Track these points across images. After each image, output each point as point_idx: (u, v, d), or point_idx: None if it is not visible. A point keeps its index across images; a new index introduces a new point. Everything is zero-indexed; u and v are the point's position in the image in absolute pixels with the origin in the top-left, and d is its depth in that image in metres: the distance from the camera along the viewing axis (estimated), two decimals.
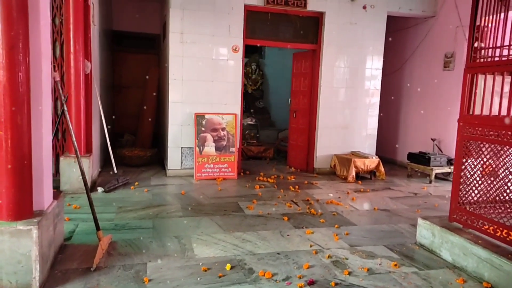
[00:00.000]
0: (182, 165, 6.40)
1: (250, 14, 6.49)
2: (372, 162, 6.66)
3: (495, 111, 3.12)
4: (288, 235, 3.86)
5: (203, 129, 6.31)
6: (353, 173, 6.47)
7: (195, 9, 6.12)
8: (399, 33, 8.20)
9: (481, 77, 3.33)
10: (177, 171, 6.37)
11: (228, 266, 3.04)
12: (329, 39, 6.78)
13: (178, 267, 3.05)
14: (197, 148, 6.25)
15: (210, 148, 6.32)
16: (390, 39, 8.12)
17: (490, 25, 3.26)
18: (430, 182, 6.57)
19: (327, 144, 7.04)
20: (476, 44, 3.36)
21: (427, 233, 3.61)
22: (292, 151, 7.66)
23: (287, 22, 6.71)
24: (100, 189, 5.20)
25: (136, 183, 5.69)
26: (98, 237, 3.21)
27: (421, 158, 6.75)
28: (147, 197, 5.01)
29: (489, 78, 3.27)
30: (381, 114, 7.39)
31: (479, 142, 3.24)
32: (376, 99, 7.22)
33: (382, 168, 6.73)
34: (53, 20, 5.38)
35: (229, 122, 6.44)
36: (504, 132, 2.99)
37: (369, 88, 7.13)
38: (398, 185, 6.36)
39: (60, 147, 5.41)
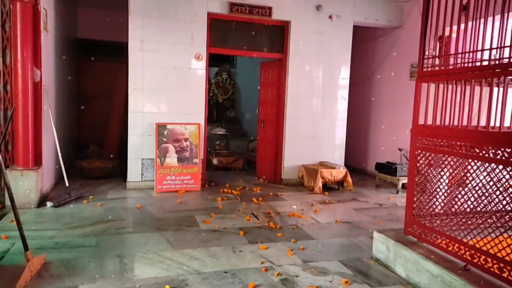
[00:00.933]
0: (143, 177, 6.16)
1: (214, 22, 6.36)
2: (340, 172, 6.56)
3: (447, 121, 3.03)
4: (240, 251, 3.67)
5: (164, 139, 6.09)
6: (319, 184, 6.35)
7: (156, 16, 5.96)
8: (367, 43, 8.22)
9: (433, 86, 3.25)
10: (138, 183, 6.12)
11: None
12: (295, 48, 6.71)
13: None
14: (158, 160, 6.02)
15: (172, 159, 6.11)
16: (358, 49, 8.14)
17: (445, 34, 3.19)
18: (397, 192, 6.51)
19: (294, 155, 6.92)
20: (427, 53, 3.28)
21: (382, 247, 3.48)
22: (261, 162, 7.51)
23: (252, 31, 6.61)
24: (49, 204, 4.92)
25: (91, 197, 5.42)
26: (26, 258, 2.95)
27: (388, 168, 6.69)
28: (98, 212, 4.75)
29: (441, 87, 3.19)
30: (351, 124, 7.32)
31: (430, 152, 3.14)
32: (344, 109, 7.16)
33: (349, 179, 6.63)
34: (2, 26, 5.14)
35: (192, 133, 6.24)
36: (453, 142, 2.90)
37: (337, 98, 7.07)
38: (365, 196, 6.26)
39: (10, 159, 5.11)
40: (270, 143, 7.20)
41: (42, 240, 3.75)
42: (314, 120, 6.96)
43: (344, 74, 7.07)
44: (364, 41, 8.18)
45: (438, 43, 3.25)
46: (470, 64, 2.89)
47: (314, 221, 4.79)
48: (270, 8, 6.44)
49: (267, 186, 6.70)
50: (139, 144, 6.09)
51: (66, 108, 7.38)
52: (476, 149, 2.70)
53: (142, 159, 6.14)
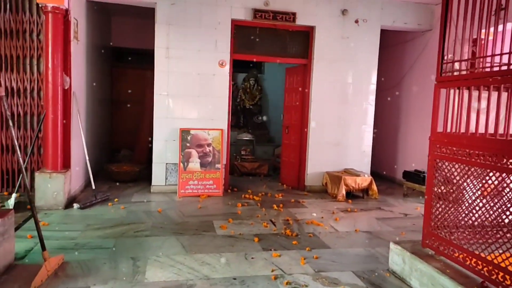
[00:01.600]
0: (166, 181, 6.28)
1: (238, 28, 6.42)
2: (364, 180, 6.40)
3: (468, 129, 2.88)
4: (252, 258, 3.65)
5: (188, 144, 6.20)
6: (343, 191, 6.22)
7: (181, 24, 6.09)
8: (396, 48, 8.00)
9: (453, 92, 3.11)
10: (162, 187, 6.25)
11: None
12: (320, 53, 6.64)
13: None
14: (181, 164, 6.13)
15: (195, 164, 6.20)
16: (386, 53, 7.94)
17: (464, 36, 3.05)
18: None
19: (318, 161, 6.82)
20: (447, 57, 3.15)
21: (398, 259, 3.35)
22: (285, 168, 7.46)
23: (276, 37, 6.61)
24: (75, 206, 5.12)
25: (116, 199, 5.59)
26: (43, 257, 3.08)
27: (416, 177, 6.45)
28: (120, 215, 4.89)
29: (464, 93, 3.04)
30: (376, 131, 7.14)
31: (449, 161, 2.99)
32: (370, 115, 6.99)
33: (374, 187, 6.45)
34: (37, 36, 5.45)
35: (215, 138, 6.31)
36: (471, 151, 2.75)
37: (363, 104, 6.91)
38: (390, 205, 6.07)
39: (41, 162, 5.39)
40: (294, 149, 7.14)
41: (63, 241, 3.90)
42: (339, 126, 6.84)
43: (371, 79, 6.91)
44: (393, 45, 7.98)
45: (470, 47, 3.09)
46: (489, 69, 2.73)
47: (333, 229, 4.69)
48: (294, 14, 6.41)
49: (289, 193, 6.64)
50: (164, 149, 6.23)
51: (99, 113, 7.69)
52: (494, 158, 2.54)
53: (166, 163, 6.27)
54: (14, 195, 4.93)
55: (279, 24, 6.45)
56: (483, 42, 3.02)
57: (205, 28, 6.17)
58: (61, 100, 5.11)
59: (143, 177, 7.08)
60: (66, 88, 5.20)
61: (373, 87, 6.94)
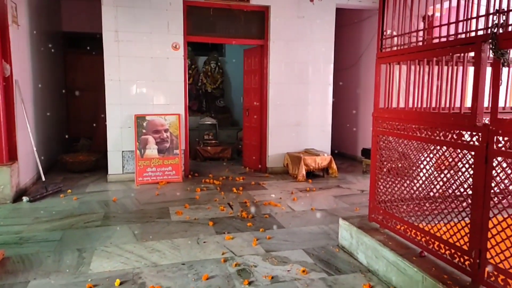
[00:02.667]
0: (124, 170, 6.14)
1: (191, 9, 6.24)
2: (324, 159, 6.47)
3: (408, 104, 2.92)
4: (204, 242, 3.63)
5: (144, 131, 6.05)
6: (303, 171, 6.27)
7: (129, 6, 5.86)
8: (353, 26, 8.04)
9: (396, 68, 3.13)
10: (119, 176, 6.10)
11: (117, 282, 2.81)
12: (276, 33, 6.57)
13: (62, 284, 2.81)
14: (138, 151, 5.99)
15: (152, 151, 6.07)
16: (343, 33, 7.97)
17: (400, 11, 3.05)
18: None
19: (279, 143, 6.83)
20: (388, 32, 3.16)
21: (346, 234, 3.42)
22: (247, 151, 7.44)
23: (231, 17, 6.48)
24: (25, 199, 4.92)
25: (69, 191, 5.41)
26: None
27: None
28: (72, 206, 4.74)
29: (403, 68, 3.07)
30: (340, 110, 7.20)
31: (388, 136, 3.04)
32: (329, 95, 7.02)
33: (334, 165, 6.55)
34: None
35: (172, 123, 6.19)
36: (409, 125, 2.79)
37: (321, 84, 6.93)
38: (349, 182, 6.18)
39: None
40: (254, 131, 7.12)
41: (7, 236, 3.74)
42: (298, 107, 6.85)
43: (328, 59, 6.92)
44: (350, 24, 8.01)
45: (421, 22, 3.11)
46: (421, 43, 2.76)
47: (290, 209, 4.73)
48: None
49: (251, 175, 6.64)
50: (119, 136, 6.06)
51: (51, 102, 7.36)
52: (429, 132, 2.59)
53: (123, 151, 6.11)
54: None
55: (233, 4, 6.32)
56: (430, 17, 3.05)
57: (155, 9, 5.96)
58: (2, 89, 4.83)
59: (101, 166, 6.87)
60: (6, 76, 4.92)
61: (331, 66, 6.95)
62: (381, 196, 3.20)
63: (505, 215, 2.09)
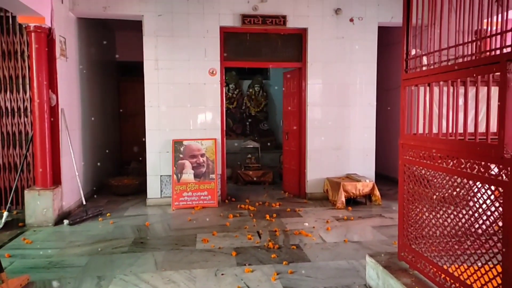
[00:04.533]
0: (162, 194, 6.24)
1: (227, 35, 6.32)
2: (366, 185, 6.09)
3: (431, 129, 2.62)
4: (222, 274, 3.49)
5: (181, 156, 6.13)
6: (342, 198, 5.95)
7: (169, 35, 6.07)
8: (398, 45, 7.64)
9: (422, 90, 2.85)
10: (157, 200, 6.21)
11: None
12: (313, 55, 6.43)
13: None
14: (174, 176, 6.07)
15: (188, 175, 6.12)
16: (387, 52, 7.63)
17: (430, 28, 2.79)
18: None
19: (319, 167, 6.58)
20: (413, 52, 2.90)
21: (373, 273, 3.10)
22: (286, 175, 7.26)
23: (268, 41, 6.46)
24: (66, 222, 5.14)
25: (108, 214, 5.59)
26: (0, 279, 3.06)
27: None
28: (106, 230, 4.86)
29: (428, 90, 2.78)
30: (385, 132, 6.81)
31: (415, 166, 2.73)
32: (372, 116, 6.66)
33: (377, 192, 6.13)
34: (21, 55, 5.57)
35: (208, 148, 6.21)
36: (435, 154, 2.48)
37: (363, 105, 6.61)
38: (393, 211, 5.73)
39: (26, 180, 5.49)
40: (294, 155, 6.93)
41: (38, 259, 3.89)
42: (339, 130, 6.57)
43: (370, 80, 6.60)
44: (395, 43, 7.63)
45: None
46: (446, 62, 2.47)
47: (321, 240, 4.45)
48: (284, 17, 6.25)
49: (289, 201, 6.43)
50: (157, 161, 6.20)
51: (102, 127, 7.79)
52: (454, 162, 2.28)
53: (161, 175, 6.23)
54: (5, 214, 5.02)
55: (270, 28, 6.30)
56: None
57: (193, 37, 6.12)
58: (48, 118, 5.17)
59: (144, 189, 7.05)
60: (53, 105, 5.26)
61: (373, 87, 6.63)
62: (411, 232, 2.87)
63: None
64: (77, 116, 6.25)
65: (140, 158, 8.99)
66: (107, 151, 8.14)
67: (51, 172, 5.24)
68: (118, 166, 9.21)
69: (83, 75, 6.55)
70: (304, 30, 6.43)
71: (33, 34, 5.01)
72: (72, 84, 6.02)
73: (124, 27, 8.47)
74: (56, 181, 5.34)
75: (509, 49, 1.90)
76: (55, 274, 3.52)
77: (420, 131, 2.77)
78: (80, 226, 5.07)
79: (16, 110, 5.69)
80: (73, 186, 5.78)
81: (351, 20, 6.46)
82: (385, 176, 7.99)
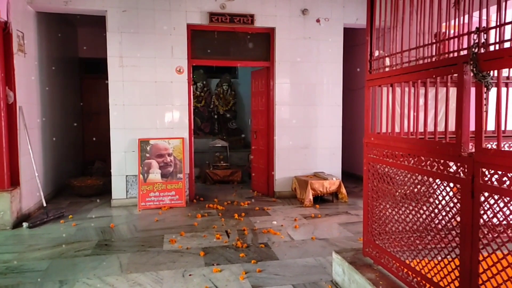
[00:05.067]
0: (128, 194, 6.09)
1: (195, 33, 6.26)
2: (333, 183, 6.21)
3: (393, 129, 2.70)
4: (190, 274, 3.46)
5: (147, 155, 6.01)
6: (310, 196, 6.03)
7: (134, 32, 5.93)
8: (363, 46, 7.84)
9: (385, 90, 2.93)
10: (123, 200, 6.06)
11: None
12: (281, 55, 6.47)
13: None
14: (141, 176, 5.95)
15: (155, 175, 6.01)
16: (352, 53, 7.80)
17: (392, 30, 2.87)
18: None
19: (287, 166, 6.64)
20: (377, 53, 2.98)
21: (339, 269, 3.16)
22: (255, 174, 7.27)
23: (235, 40, 6.45)
24: (25, 225, 4.92)
25: (70, 216, 5.40)
26: None
27: None
28: (68, 233, 4.69)
29: (396, 90, 2.86)
30: (352, 132, 6.96)
31: (377, 164, 2.81)
32: (338, 116, 6.80)
33: (343, 190, 6.27)
34: None
35: (176, 147, 6.13)
36: (397, 153, 2.57)
37: (329, 105, 6.73)
38: (358, 208, 5.87)
39: None
40: (262, 154, 6.96)
41: None
42: (306, 129, 6.65)
43: (337, 80, 6.73)
44: (360, 44, 7.82)
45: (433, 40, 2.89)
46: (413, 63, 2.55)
47: (289, 238, 4.49)
48: (252, 16, 6.26)
49: (258, 200, 6.46)
50: (123, 160, 6.05)
51: (63, 126, 7.51)
52: (415, 160, 2.36)
53: (127, 175, 6.08)
54: None
55: (238, 27, 6.29)
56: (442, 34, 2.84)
57: (159, 34, 6.01)
58: (5, 116, 4.92)
59: (109, 190, 6.85)
60: (10, 102, 5.02)
61: (339, 87, 6.76)
62: (375, 228, 2.95)
63: (498, 257, 1.82)
64: (37, 115, 5.99)
65: (105, 158, 8.78)
66: (68, 150, 7.86)
67: (9, 173, 5.00)
68: (81, 166, 8.93)
69: (43, 72, 6.29)
70: (272, 30, 6.47)
71: None
72: (31, 81, 5.76)
73: (87, 23, 8.20)
74: (14, 182, 5.10)
75: (465, 52, 1.98)
76: (12, 280, 3.37)
77: (384, 130, 2.85)
78: (41, 229, 4.86)
79: None
80: (32, 187, 5.53)
81: (318, 20, 6.56)
82: (351, 174, 8.18)
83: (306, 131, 6.67)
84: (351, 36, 7.47)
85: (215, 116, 9.93)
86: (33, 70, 5.88)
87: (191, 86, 6.35)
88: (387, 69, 2.79)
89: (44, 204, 5.34)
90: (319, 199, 6.27)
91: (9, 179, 5.01)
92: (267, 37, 6.54)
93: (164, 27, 6.00)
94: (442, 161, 2.10)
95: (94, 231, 4.78)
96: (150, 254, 3.97)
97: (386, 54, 2.79)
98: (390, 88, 2.74)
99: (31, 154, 5.30)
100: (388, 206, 2.73)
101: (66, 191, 6.96)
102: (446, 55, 2.19)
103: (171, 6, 6.00)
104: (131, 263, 3.72)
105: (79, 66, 9.12)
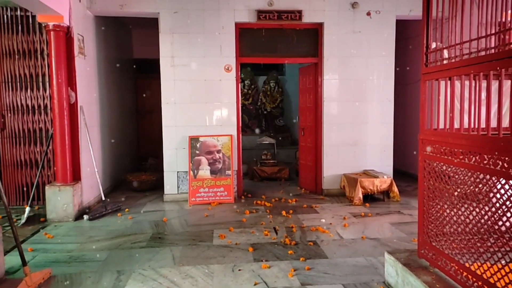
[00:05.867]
0: (179, 190, 6.29)
1: (243, 31, 6.31)
2: (384, 181, 6.01)
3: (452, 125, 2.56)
4: (239, 269, 3.50)
5: (197, 152, 6.17)
6: (359, 194, 5.89)
7: (184, 32, 6.09)
8: (418, 38, 7.50)
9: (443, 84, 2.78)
10: (174, 195, 6.27)
11: None
12: (330, 50, 6.36)
13: None
14: (191, 172, 6.11)
15: (204, 171, 6.15)
16: (406, 46, 7.51)
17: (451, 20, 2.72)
18: None
19: (335, 163, 6.52)
20: (434, 45, 2.83)
21: (392, 270, 3.06)
22: (303, 171, 7.22)
23: (283, 37, 6.42)
24: (85, 217, 5.24)
25: (126, 209, 5.67)
26: (24, 273, 3.13)
27: None
28: (125, 225, 4.93)
29: (455, 83, 2.71)
30: (407, 128, 6.71)
31: (435, 162, 2.68)
32: (389, 112, 6.56)
33: (395, 188, 6.05)
34: (41, 53, 5.68)
35: (224, 144, 6.23)
36: (456, 150, 2.43)
37: (380, 100, 6.51)
38: (412, 208, 5.64)
39: (47, 176, 5.62)
40: (310, 151, 6.89)
41: (60, 254, 3.98)
42: (356, 125, 6.49)
43: (388, 75, 6.49)
44: (415, 36, 7.48)
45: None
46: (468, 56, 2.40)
47: (338, 236, 4.42)
48: (300, 12, 6.20)
49: (305, 197, 6.41)
50: (174, 157, 6.25)
51: (120, 124, 7.90)
52: (477, 158, 2.22)
53: (178, 172, 6.28)
54: (27, 209, 5.15)
55: (285, 23, 6.26)
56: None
57: (208, 33, 6.12)
58: (67, 115, 5.26)
59: (162, 185, 7.12)
60: (72, 102, 5.35)
61: (391, 82, 6.52)
62: (431, 229, 2.82)
63: None
64: (96, 113, 6.34)
65: (158, 155, 9.13)
66: (124, 147, 8.25)
67: (71, 169, 5.34)
68: (136, 163, 9.33)
69: (101, 73, 6.64)
70: (320, 25, 6.37)
71: (52, 32, 5.10)
72: (90, 82, 6.10)
73: (141, 25, 8.55)
74: (76, 177, 5.44)
75: None
76: (75, 268, 3.60)
77: (441, 126, 2.71)
78: (100, 221, 5.15)
79: (36, 107, 5.81)
80: (92, 182, 5.88)
81: (368, 13, 6.36)
82: (403, 172, 7.89)
83: (355, 127, 6.50)
84: (403, 28, 7.19)
85: (263, 114, 9.96)
86: (92, 71, 6.22)
87: (239, 84, 6.42)
88: (445, 62, 2.64)
89: (103, 198, 5.65)
90: (369, 198, 6.10)
91: (71, 174, 5.35)
92: (315, 32, 6.45)
93: (213, 27, 6.10)
94: (507, 158, 1.96)
95: (149, 224, 4.98)
96: (200, 248, 4.07)
97: (444, 46, 2.64)
98: (449, 82, 2.59)
99: (91, 151, 5.62)
100: (445, 206, 2.60)
101: (123, 186, 7.32)
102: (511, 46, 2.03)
103: (220, 5, 6.09)
104: (183, 256, 3.84)
105: (133, 66, 9.54)
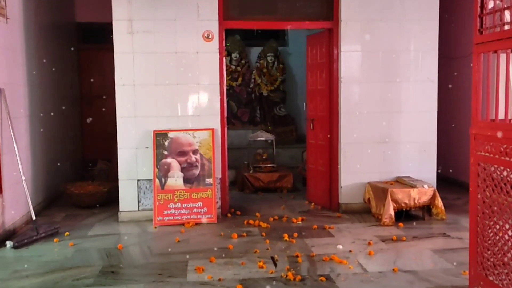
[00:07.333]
0: (140, 205, 6.30)
1: None
2: (423, 193, 6.07)
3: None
4: None
5: (165, 153, 6.17)
6: (390, 211, 5.93)
7: None
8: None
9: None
10: (133, 213, 6.27)
11: None
12: (349, 11, 6.39)
13: None
14: (157, 181, 6.12)
15: (175, 180, 6.16)
16: (453, 9, 7.57)
17: None
18: None
19: (356, 168, 6.56)
20: (492, 4, 2.85)
21: None
22: (312, 179, 7.29)
23: None
24: (9, 244, 5.21)
25: (66, 233, 5.67)
26: None
27: None
28: (65, 255, 4.93)
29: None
30: (453, 119, 6.76)
31: (498, 166, 2.70)
32: (432, 97, 6.60)
33: (439, 202, 6.11)
34: None
35: (203, 142, 6.24)
36: None
37: (419, 80, 6.56)
38: (461, 229, 5.69)
39: None
40: (322, 152, 6.94)
41: None
42: (384, 115, 6.54)
43: (429, 45, 6.54)
44: None
45: None
46: None
47: (360, 269, 4.46)
48: None
49: (316, 215, 6.48)
50: (133, 160, 6.25)
51: (60, 114, 7.89)
52: None
53: (138, 180, 6.28)
54: None
55: None
56: None
57: None
58: None
59: (115, 199, 7.10)
60: None
61: (434, 55, 6.56)
62: (488, 258, 2.84)
63: None
64: (23, 99, 6.31)
65: (110, 157, 9.12)
66: (64, 147, 8.25)
67: None
68: (80, 168, 9.31)
69: (30, 43, 6.61)
70: None
71: None
72: (14, 55, 6.07)
73: None
74: None
75: None
76: None
77: (501, 116, 2.74)
78: (29, 250, 5.14)
79: None
80: (18, 195, 5.84)
81: None
82: (450, 179, 7.96)
83: (384, 118, 6.55)
84: None
85: (257, 99, 10.00)
86: (18, 41, 6.19)
87: (224, 58, 6.43)
88: (506, 27, 2.66)
89: (34, 217, 5.61)
90: (403, 215, 6.14)
91: None
92: None
93: None
94: None
95: (97, 253, 4.99)
96: (170, 286, 4.08)
97: (506, 6, 2.66)
98: None
99: (16, 152, 5.59)
100: (507, 226, 2.62)
101: (62, 200, 7.31)
102: None
103: None
104: None
105: (76, 33, 9.51)
